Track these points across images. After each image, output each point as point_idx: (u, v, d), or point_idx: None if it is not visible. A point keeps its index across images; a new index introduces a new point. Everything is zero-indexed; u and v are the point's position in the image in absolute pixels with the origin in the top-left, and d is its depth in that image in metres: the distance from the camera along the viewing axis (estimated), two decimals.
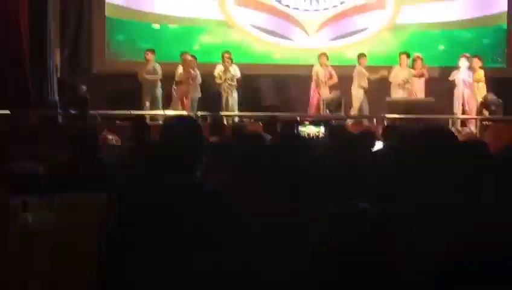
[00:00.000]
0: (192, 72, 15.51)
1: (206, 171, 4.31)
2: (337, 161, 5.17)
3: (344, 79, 15.87)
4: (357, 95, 15.76)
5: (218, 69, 15.75)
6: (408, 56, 15.91)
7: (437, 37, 17.73)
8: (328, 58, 15.97)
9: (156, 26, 17.34)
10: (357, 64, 15.91)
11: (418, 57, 15.98)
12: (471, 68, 15.57)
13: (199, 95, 15.65)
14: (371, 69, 15.97)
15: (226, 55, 15.77)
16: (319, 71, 15.81)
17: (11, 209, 4.43)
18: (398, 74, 15.71)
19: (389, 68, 15.95)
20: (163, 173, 3.69)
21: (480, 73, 15.43)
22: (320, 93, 15.73)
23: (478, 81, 15.36)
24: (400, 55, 15.96)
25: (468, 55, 15.77)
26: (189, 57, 15.71)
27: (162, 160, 3.75)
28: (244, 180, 4.13)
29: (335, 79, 15.78)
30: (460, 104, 15.56)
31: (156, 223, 3.46)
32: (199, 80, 15.69)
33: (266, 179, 3.85)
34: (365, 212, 2.68)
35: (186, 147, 3.70)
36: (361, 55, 15.98)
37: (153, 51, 15.85)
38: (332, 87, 15.78)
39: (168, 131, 3.83)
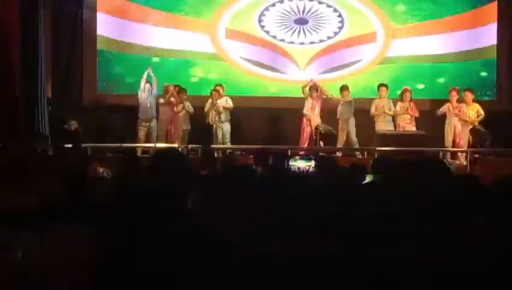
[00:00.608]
0: (173, 100, 15.50)
1: (196, 203, 4.31)
2: (328, 194, 5.16)
3: (334, 110, 15.93)
4: (349, 128, 15.85)
5: (207, 102, 15.79)
6: (387, 88, 15.94)
7: (428, 70, 17.82)
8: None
9: (154, 59, 17.36)
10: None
11: (406, 89, 16.04)
12: (460, 101, 15.61)
13: (188, 127, 15.66)
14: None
15: (216, 88, 15.85)
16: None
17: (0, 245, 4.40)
18: (378, 105, 15.79)
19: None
20: (152, 206, 3.69)
21: (475, 106, 15.46)
22: (312, 124, 15.76)
23: (478, 115, 15.39)
24: (378, 87, 16.02)
25: (458, 88, 15.83)
26: (171, 88, 15.71)
27: (150, 193, 3.75)
28: (234, 212, 4.13)
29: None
30: (451, 138, 15.57)
31: (146, 256, 3.45)
32: (190, 111, 15.71)
33: (256, 211, 3.85)
34: None
35: (174, 180, 3.70)
36: (343, 87, 16.09)
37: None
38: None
39: (156, 164, 3.84)
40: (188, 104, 15.75)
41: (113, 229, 3.89)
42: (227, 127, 15.79)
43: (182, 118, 15.66)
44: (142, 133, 15.62)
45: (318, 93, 15.97)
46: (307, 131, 15.87)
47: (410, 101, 15.85)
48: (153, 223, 3.57)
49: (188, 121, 15.75)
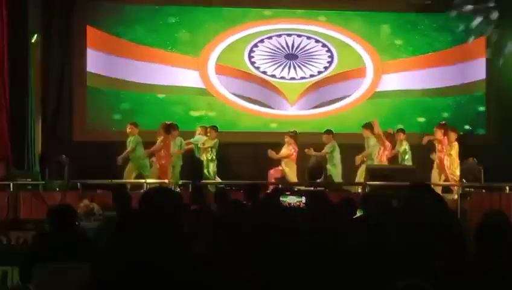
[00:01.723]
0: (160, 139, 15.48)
1: (188, 238, 4.30)
2: (319, 229, 5.16)
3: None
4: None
5: (204, 139, 15.79)
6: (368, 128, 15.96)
7: (417, 104, 17.94)
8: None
9: (147, 95, 17.43)
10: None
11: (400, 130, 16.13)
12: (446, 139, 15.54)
13: (181, 163, 15.63)
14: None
15: (213, 127, 15.95)
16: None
17: None
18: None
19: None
20: (144, 242, 3.68)
21: (455, 146, 15.45)
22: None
23: (450, 155, 15.37)
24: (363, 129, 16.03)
25: (443, 124, 15.79)
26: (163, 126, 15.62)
27: (142, 228, 3.74)
28: (225, 247, 4.12)
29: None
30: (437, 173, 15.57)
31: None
32: (182, 147, 15.68)
33: (247, 247, 3.84)
34: None
35: (166, 216, 3.70)
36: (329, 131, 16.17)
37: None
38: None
39: (147, 200, 3.84)
40: (181, 140, 15.72)
41: (103, 262, 3.87)
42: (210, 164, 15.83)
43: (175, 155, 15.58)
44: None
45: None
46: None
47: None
48: (145, 258, 3.56)
49: (180, 156, 15.70)
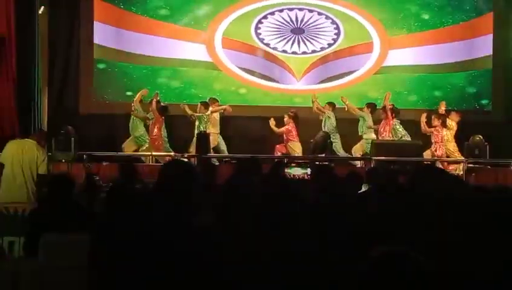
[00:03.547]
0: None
1: (197, 209, 4.31)
2: (325, 203, 5.17)
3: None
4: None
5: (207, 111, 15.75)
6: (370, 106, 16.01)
7: (424, 80, 17.87)
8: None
9: (153, 68, 17.40)
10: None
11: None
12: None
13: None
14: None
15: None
16: None
17: None
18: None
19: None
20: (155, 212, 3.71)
21: (452, 125, 15.41)
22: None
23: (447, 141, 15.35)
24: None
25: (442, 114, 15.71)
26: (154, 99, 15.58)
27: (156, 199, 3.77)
28: (232, 218, 4.14)
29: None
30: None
31: (146, 260, 3.47)
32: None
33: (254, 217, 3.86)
34: None
35: (180, 190, 3.73)
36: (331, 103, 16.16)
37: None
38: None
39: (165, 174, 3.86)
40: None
41: (107, 237, 3.88)
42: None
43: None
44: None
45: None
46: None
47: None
48: (154, 227, 3.58)
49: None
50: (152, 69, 17.39)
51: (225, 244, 3.64)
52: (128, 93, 16.84)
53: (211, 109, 15.61)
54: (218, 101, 16.08)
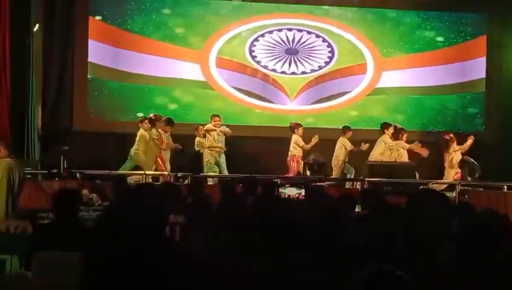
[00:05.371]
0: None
1: (183, 230, 4.33)
2: (318, 225, 5.17)
3: (325, 141, 15.88)
4: (338, 163, 15.86)
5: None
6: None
7: (418, 101, 17.93)
8: None
9: (147, 87, 17.38)
10: (342, 136, 15.97)
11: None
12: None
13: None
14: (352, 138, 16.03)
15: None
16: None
17: None
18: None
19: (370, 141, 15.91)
20: (138, 234, 3.71)
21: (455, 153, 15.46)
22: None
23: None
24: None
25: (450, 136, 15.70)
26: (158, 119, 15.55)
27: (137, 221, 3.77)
28: (222, 240, 4.14)
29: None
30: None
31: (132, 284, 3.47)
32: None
33: (247, 239, 3.86)
34: None
35: (160, 209, 3.74)
36: (346, 128, 16.03)
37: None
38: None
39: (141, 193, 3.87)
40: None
41: (101, 252, 3.88)
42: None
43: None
44: None
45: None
46: (297, 160, 15.87)
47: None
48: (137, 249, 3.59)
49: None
50: (146, 88, 17.39)
51: (212, 266, 3.65)
52: (122, 112, 16.85)
53: (206, 126, 15.69)
54: (218, 116, 16.03)
